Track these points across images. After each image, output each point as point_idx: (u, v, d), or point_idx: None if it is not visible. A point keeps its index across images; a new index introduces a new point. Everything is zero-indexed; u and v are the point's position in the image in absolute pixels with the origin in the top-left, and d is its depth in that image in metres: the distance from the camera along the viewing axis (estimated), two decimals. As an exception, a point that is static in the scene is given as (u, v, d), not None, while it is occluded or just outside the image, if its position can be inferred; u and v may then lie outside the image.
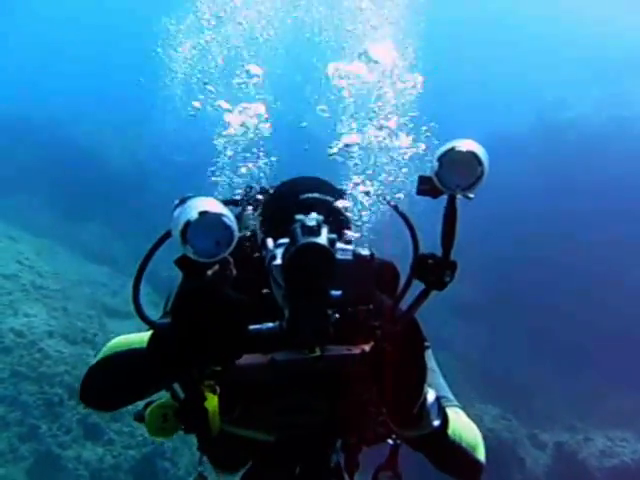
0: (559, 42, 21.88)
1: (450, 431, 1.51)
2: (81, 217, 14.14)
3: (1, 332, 7.88)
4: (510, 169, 12.27)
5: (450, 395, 1.73)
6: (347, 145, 1.91)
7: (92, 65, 23.43)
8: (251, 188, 1.92)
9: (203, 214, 1.18)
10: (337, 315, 1.45)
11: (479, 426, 1.69)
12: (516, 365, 11.28)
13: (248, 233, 1.76)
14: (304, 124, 2.11)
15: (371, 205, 1.86)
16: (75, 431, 7.18)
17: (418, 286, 1.48)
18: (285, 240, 1.45)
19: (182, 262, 1.28)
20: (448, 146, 1.31)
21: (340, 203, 1.77)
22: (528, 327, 11.80)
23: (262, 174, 2.00)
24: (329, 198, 1.73)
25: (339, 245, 1.44)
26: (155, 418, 1.54)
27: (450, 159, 1.31)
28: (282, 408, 1.63)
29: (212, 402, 1.44)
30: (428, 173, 1.36)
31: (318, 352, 1.50)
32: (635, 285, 11.85)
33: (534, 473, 9.20)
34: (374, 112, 1.98)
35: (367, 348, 1.49)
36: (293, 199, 1.71)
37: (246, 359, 1.41)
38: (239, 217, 1.82)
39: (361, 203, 1.86)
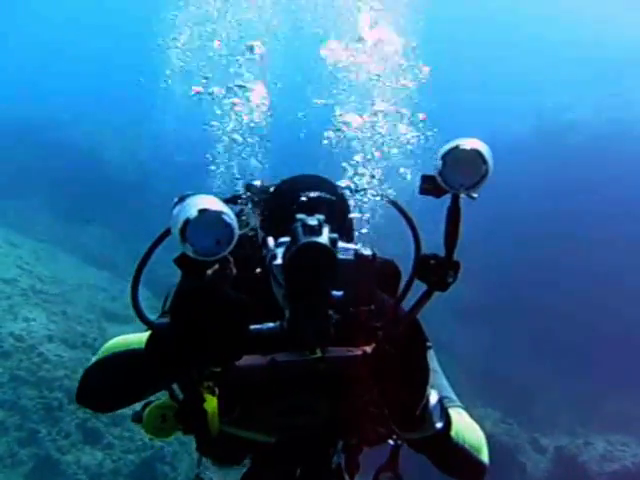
0: (559, 42, 21.88)
1: (453, 433, 1.49)
2: (81, 218, 14.11)
3: (1, 336, 7.88)
4: (510, 169, 12.25)
5: (453, 395, 1.72)
6: (344, 123, 1.89)
7: (92, 65, 23.47)
8: (251, 186, 1.91)
9: (203, 212, 1.16)
10: (338, 316, 1.43)
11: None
12: (517, 367, 11.26)
13: (251, 233, 1.74)
14: (300, 114, 2.10)
15: (366, 203, 1.85)
16: (74, 435, 7.15)
17: (420, 286, 1.46)
18: (286, 239, 1.44)
19: (181, 261, 1.25)
20: (452, 144, 1.29)
21: (341, 202, 1.76)
22: (529, 328, 11.79)
23: (260, 164, 1.97)
24: (330, 197, 1.72)
25: (341, 244, 1.43)
26: (154, 418, 1.53)
27: (454, 157, 1.28)
28: (282, 409, 1.62)
29: (211, 403, 1.43)
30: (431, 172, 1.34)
31: (319, 353, 1.48)
32: (635, 286, 11.84)
33: (535, 477, 9.20)
34: (370, 99, 1.97)
35: (368, 349, 1.47)
36: (294, 197, 1.69)
37: (246, 360, 1.39)
38: (239, 215, 1.80)
39: (360, 200, 1.85)
